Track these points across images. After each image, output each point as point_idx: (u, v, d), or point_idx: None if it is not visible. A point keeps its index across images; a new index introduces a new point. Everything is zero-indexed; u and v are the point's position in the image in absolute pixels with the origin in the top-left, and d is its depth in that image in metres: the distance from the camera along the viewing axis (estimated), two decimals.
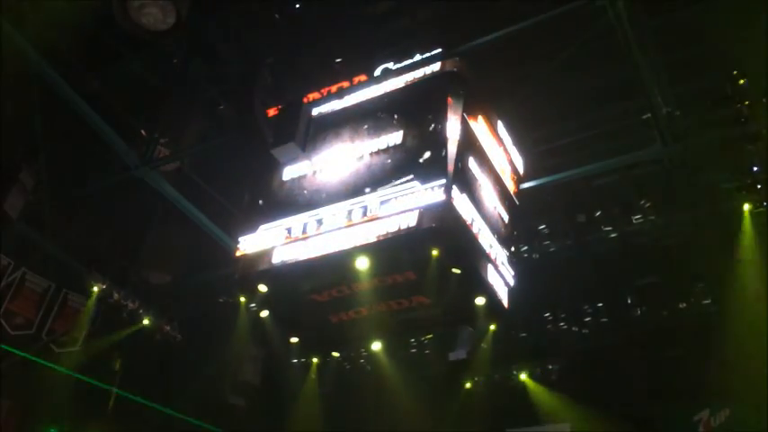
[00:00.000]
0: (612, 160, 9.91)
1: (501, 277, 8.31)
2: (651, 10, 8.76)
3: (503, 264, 8.39)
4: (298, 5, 9.41)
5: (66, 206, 11.54)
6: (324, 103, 9.01)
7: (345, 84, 9.04)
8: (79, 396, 12.05)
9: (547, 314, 13.74)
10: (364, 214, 7.56)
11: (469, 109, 8.14)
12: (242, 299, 8.96)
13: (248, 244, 8.34)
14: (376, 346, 9.19)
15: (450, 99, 7.98)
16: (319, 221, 7.88)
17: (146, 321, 12.62)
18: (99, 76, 10.23)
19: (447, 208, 7.21)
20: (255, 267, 8.17)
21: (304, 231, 7.93)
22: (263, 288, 8.35)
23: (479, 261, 7.85)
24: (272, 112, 9.11)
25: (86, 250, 12.28)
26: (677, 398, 12.78)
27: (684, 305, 12.84)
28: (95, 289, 12.02)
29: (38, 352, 11.71)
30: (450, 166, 7.45)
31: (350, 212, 7.69)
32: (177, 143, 11.06)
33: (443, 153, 7.55)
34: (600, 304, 13.36)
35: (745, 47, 8.94)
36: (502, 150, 9.10)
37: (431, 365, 14.34)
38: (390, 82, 8.68)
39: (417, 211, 7.24)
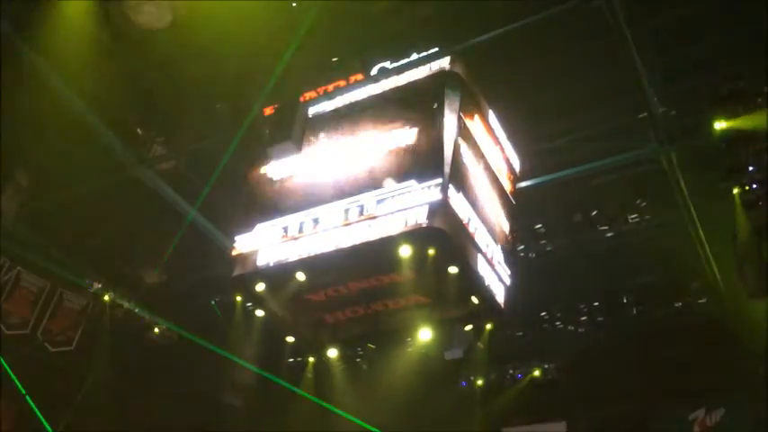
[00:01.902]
0: (609, 160, 9.92)
1: (497, 276, 8.31)
2: (648, 9, 8.78)
3: (499, 263, 8.39)
4: (294, 4, 9.39)
5: (61, 205, 11.50)
6: (320, 102, 8.99)
7: (342, 83, 9.03)
8: (75, 396, 12.06)
9: (543, 313, 13.76)
10: (361, 213, 7.56)
11: (466, 108, 8.15)
12: (238, 298, 8.94)
13: (244, 243, 8.32)
14: (372, 345, 9.18)
15: (446, 98, 7.97)
16: (316, 220, 7.87)
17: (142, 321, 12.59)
18: (95, 74, 10.19)
19: (444, 207, 7.22)
20: (251, 267, 8.15)
21: (300, 230, 7.92)
22: (258, 287, 8.33)
23: (476, 260, 7.85)
24: (268, 110, 9.09)
25: (82, 249, 12.25)
26: (672, 397, 12.81)
27: (680, 304, 12.88)
28: (91, 288, 12.00)
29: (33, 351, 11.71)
30: (447, 166, 7.45)
31: (346, 211, 7.68)
32: (173, 142, 11.03)
33: (440, 152, 7.55)
34: (596, 303, 13.38)
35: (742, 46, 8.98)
36: (498, 150, 9.11)
37: (427, 365, 14.34)
38: (387, 81, 8.68)
39: (414, 209, 7.25)
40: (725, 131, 9.06)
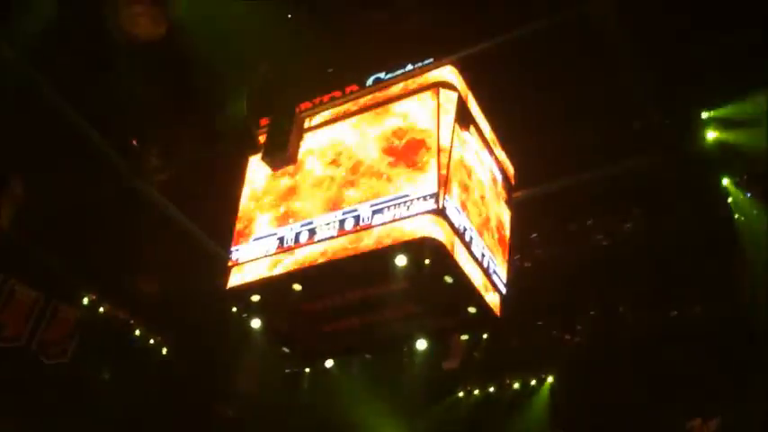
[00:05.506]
0: (604, 168, 9.94)
1: (493, 285, 8.31)
2: (645, 16, 8.81)
3: (495, 272, 8.39)
4: (290, 15, 9.42)
5: (56, 216, 11.48)
6: (316, 112, 8.99)
7: (337, 93, 9.03)
8: (72, 405, 12.01)
9: (539, 322, 13.76)
10: (356, 223, 7.54)
11: (461, 117, 8.14)
12: (234, 309, 8.91)
13: (240, 254, 8.31)
14: (368, 355, 9.16)
15: (441, 108, 7.98)
16: (311, 231, 7.85)
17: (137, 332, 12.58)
18: (91, 85, 10.20)
19: (439, 217, 7.21)
20: (247, 278, 8.14)
21: (296, 241, 7.91)
22: (255, 298, 8.31)
23: (472, 269, 7.85)
24: (264, 120, 9.09)
25: (76, 260, 12.21)
26: (669, 406, 12.80)
27: (676, 312, 12.90)
28: (85, 300, 11.96)
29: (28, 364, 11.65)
30: (442, 176, 7.44)
31: (342, 222, 7.67)
32: (170, 153, 11.03)
33: (435, 162, 7.55)
34: (592, 312, 13.39)
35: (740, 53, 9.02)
36: (493, 159, 9.11)
37: (423, 375, 14.32)
38: (382, 92, 8.67)
39: (409, 219, 7.24)
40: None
